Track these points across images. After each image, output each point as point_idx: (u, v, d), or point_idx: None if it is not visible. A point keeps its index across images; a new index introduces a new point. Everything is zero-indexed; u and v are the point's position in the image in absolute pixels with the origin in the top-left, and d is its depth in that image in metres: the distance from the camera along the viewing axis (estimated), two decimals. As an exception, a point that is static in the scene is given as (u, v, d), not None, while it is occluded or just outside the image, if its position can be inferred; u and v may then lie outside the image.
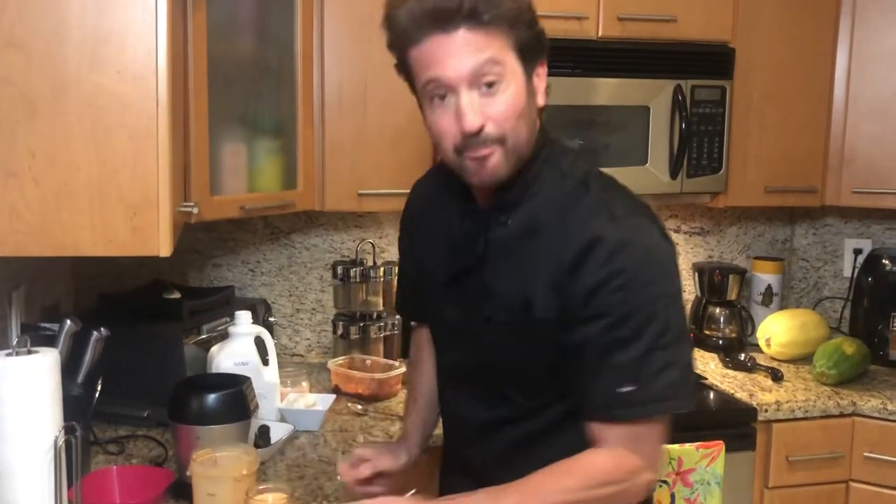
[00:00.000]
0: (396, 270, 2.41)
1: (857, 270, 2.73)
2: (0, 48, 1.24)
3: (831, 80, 2.50)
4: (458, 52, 1.16)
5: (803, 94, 2.48)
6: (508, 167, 1.23)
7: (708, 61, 2.35)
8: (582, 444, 1.24)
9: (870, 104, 2.47)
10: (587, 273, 1.19)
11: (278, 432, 1.79)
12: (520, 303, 1.25)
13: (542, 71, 1.26)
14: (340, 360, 2.26)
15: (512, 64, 1.19)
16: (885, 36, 2.44)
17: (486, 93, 1.18)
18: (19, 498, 1.28)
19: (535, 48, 1.23)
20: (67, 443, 1.31)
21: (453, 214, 1.37)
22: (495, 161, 1.21)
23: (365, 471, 1.45)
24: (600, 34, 2.25)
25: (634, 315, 1.18)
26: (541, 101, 1.26)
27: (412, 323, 1.73)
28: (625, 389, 1.18)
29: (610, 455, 1.21)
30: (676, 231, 2.80)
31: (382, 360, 2.28)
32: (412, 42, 1.19)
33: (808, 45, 2.46)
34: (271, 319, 2.31)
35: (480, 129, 1.18)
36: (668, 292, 1.22)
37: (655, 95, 2.30)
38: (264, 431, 1.77)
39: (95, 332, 1.54)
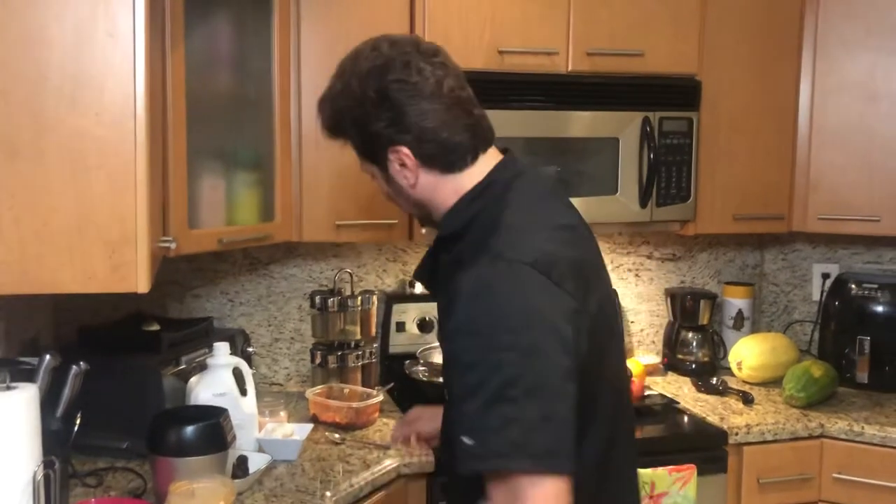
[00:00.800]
0: (374, 300, 2.46)
1: (825, 294, 2.79)
2: (-19, 92, 1.28)
3: (795, 109, 2.58)
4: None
5: (769, 124, 2.56)
6: (423, 222, 1.46)
7: (675, 94, 2.42)
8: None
9: (833, 133, 2.55)
10: (455, 312, 1.18)
11: (256, 462, 1.81)
12: (440, 331, 1.35)
13: (394, 157, 1.32)
14: (318, 388, 2.28)
15: (365, 164, 1.39)
16: (845, 67, 2.52)
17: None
18: (-2, 532, 1.30)
19: (373, 147, 1.34)
20: (46, 477, 1.34)
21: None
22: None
23: (410, 435, 1.73)
24: (570, 68, 2.32)
25: (480, 364, 1.13)
26: (404, 182, 1.34)
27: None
28: (468, 442, 1.12)
29: (495, 497, 1.13)
30: (649, 257, 2.87)
31: (360, 389, 2.31)
32: None
33: (772, 76, 2.54)
34: (250, 350, 2.34)
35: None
36: (522, 345, 1.13)
37: (624, 127, 2.37)
38: (242, 462, 1.79)
39: (74, 367, 1.57)
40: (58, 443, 1.47)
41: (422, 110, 1.29)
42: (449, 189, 1.34)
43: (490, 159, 1.35)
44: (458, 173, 1.33)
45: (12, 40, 1.28)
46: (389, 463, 1.96)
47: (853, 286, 2.66)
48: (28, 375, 1.45)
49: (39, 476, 1.32)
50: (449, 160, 1.32)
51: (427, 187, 1.34)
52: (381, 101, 1.29)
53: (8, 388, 1.34)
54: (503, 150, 1.39)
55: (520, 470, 1.10)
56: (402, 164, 1.32)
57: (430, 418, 1.70)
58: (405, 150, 1.30)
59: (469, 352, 1.15)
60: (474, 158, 1.33)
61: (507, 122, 2.26)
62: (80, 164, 1.32)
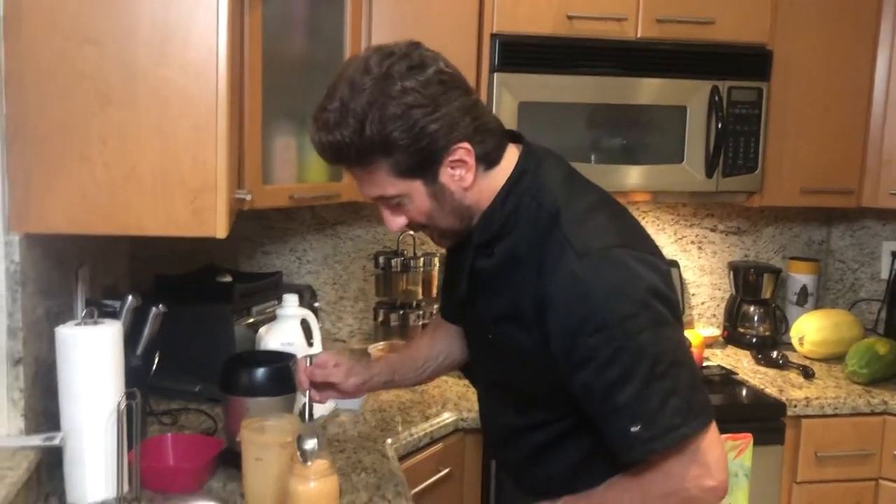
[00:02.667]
0: (436, 261, 2.52)
1: (894, 273, 2.74)
2: (77, 44, 1.35)
3: (871, 82, 2.52)
4: (359, 182, 1.28)
5: (842, 97, 2.51)
6: (453, 238, 1.34)
7: (745, 63, 2.39)
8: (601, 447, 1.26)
9: (909, 107, 2.49)
10: (561, 316, 1.18)
11: (321, 409, 1.89)
12: (509, 332, 1.29)
13: (456, 157, 1.22)
14: (381, 345, 2.35)
15: (402, 186, 1.23)
16: (925, 39, 2.46)
17: (394, 206, 1.28)
18: (86, 456, 1.40)
19: (423, 160, 1.21)
20: (128, 407, 1.42)
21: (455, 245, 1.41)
22: (436, 239, 1.37)
23: (318, 376, 1.52)
24: (639, 35, 2.31)
25: (620, 354, 1.16)
26: (463, 186, 1.25)
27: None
28: (633, 430, 1.16)
29: (661, 468, 1.19)
30: (713, 230, 2.85)
31: (421, 347, 2.37)
32: None
33: (847, 47, 2.49)
34: (316, 304, 2.42)
35: (406, 225, 1.31)
36: (649, 322, 1.17)
37: (692, 96, 2.36)
38: (308, 408, 1.86)
39: (154, 308, 1.66)
40: (138, 378, 1.56)
41: (470, 102, 1.23)
42: (486, 188, 1.28)
43: (511, 151, 1.31)
44: (494, 169, 1.28)
45: (106, -6, 1.36)
46: (448, 416, 2.02)
47: (924, 264, 2.61)
48: (111, 316, 1.54)
49: (123, 406, 1.41)
50: (495, 154, 1.28)
51: (476, 188, 1.27)
52: (430, 98, 1.18)
53: (96, 322, 1.43)
54: (513, 136, 1.34)
55: (697, 431, 1.17)
56: (460, 165, 1.23)
57: (331, 370, 1.54)
58: (467, 145, 1.22)
59: (602, 348, 1.16)
60: (504, 151, 1.30)
61: (574, 87, 2.28)
62: (165, 113, 1.39)
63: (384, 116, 1.17)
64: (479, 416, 1.60)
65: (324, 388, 1.54)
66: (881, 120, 2.53)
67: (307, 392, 1.51)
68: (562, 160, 1.36)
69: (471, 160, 1.24)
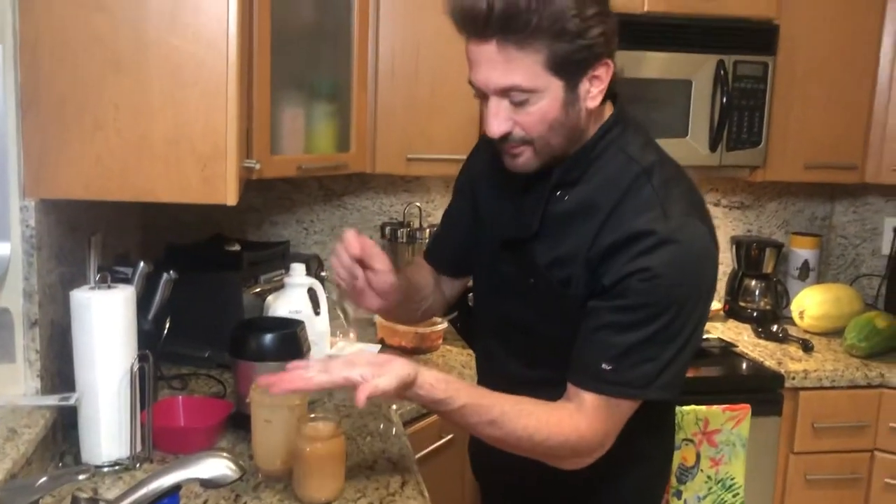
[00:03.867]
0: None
1: (895, 248, 2.76)
2: (90, 11, 1.37)
3: (876, 58, 2.53)
4: (489, 65, 1.17)
5: (847, 72, 2.52)
6: (539, 163, 1.27)
7: (751, 37, 2.40)
8: (633, 427, 1.29)
9: (914, 83, 2.50)
10: (623, 260, 1.20)
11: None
12: (560, 278, 1.30)
13: (600, 72, 1.20)
14: (386, 315, 2.38)
15: (544, 81, 1.17)
16: (932, 16, 2.46)
17: (517, 104, 1.20)
18: (100, 416, 1.44)
19: (581, 60, 1.17)
20: (141, 370, 1.46)
21: (515, 182, 1.37)
22: (524, 159, 1.26)
23: (368, 250, 1.36)
24: (646, 8, 2.32)
25: (644, 308, 1.20)
26: (590, 105, 1.22)
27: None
28: (605, 367, 1.22)
29: (586, 424, 1.23)
30: (716, 204, 2.87)
31: (426, 317, 2.41)
32: (464, 36, 1.21)
33: (853, 23, 2.49)
34: (323, 274, 2.44)
35: (507, 134, 1.23)
36: (688, 300, 1.22)
37: (698, 69, 2.37)
38: (315, 374, 1.90)
39: (165, 274, 1.70)
40: (149, 343, 1.60)
41: (617, 27, 1.21)
42: (591, 123, 1.27)
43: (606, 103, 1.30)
44: (603, 107, 1.27)
45: (118, -38, 1.37)
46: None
47: (925, 240, 2.63)
48: (124, 282, 1.58)
49: (136, 368, 1.45)
50: (612, 90, 1.26)
51: (595, 113, 1.26)
52: (601, 9, 1.17)
53: (109, 287, 1.46)
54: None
55: (644, 399, 1.25)
56: (598, 82, 1.21)
57: (384, 281, 1.39)
58: (610, 63, 1.20)
59: (639, 295, 1.19)
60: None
61: (579, 61, 2.28)
62: (177, 80, 1.41)
63: (562, 6, 1.12)
64: (478, 372, 1.61)
65: (358, 283, 1.38)
66: (886, 96, 2.54)
67: (339, 285, 1.39)
68: (644, 127, 1.35)
69: (607, 81, 1.21)
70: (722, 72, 2.36)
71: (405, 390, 1.21)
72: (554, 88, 1.18)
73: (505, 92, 1.19)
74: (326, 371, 1.19)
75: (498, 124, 1.22)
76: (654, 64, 2.35)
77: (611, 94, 1.29)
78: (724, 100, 2.37)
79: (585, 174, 1.28)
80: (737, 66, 2.39)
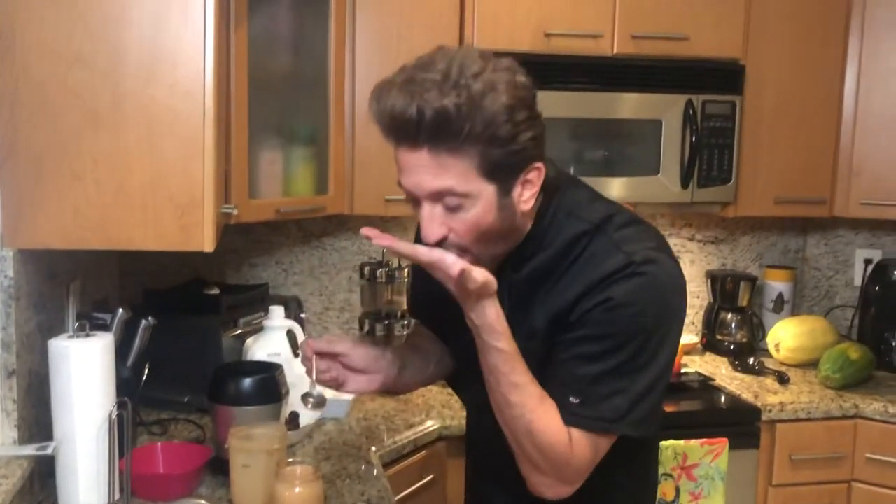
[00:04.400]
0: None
1: (866, 280, 2.81)
2: (69, 64, 1.40)
3: (840, 94, 2.60)
4: (420, 170, 1.15)
5: (813, 109, 2.59)
6: (485, 263, 1.21)
7: (719, 77, 2.47)
8: (612, 462, 1.29)
9: (878, 119, 2.57)
10: (589, 297, 1.22)
11: (307, 418, 1.93)
12: (526, 333, 1.28)
13: (531, 176, 1.20)
14: (366, 355, 2.39)
15: (477, 186, 1.15)
16: (893, 53, 2.53)
17: (449, 210, 1.17)
18: (78, 465, 1.44)
19: (513, 164, 1.17)
20: (119, 417, 1.47)
21: None
22: (469, 260, 1.17)
23: (322, 345, 1.37)
24: (615, 51, 2.38)
25: (608, 338, 1.20)
26: (523, 208, 1.22)
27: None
28: (572, 399, 1.22)
29: (576, 442, 1.23)
30: (690, 239, 2.92)
31: (405, 356, 2.42)
32: (391, 143, 1.18)
33: (817, 61, 2.57)
34: (303, 316, 2.46)
35: (443, 239, 1.19)
36: (655, 330, 1.22)
37: (668, 109, 2.43)
38: (294, 417, 1.91)
39: (144, 321, 1.71)
40: (128, 389, 1.61)
41: (544, 131, 1.21)
42: (531, 212, 1.26)
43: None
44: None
45: (97, 20, 1.40)
46: (431, 424, 2.07)
47: (894, 271, 2.68)
48: (101, 329, 1.59)
49: (114, 415, 1.45)
50: (547, 182, 1.25)
51: (529, 213, 1.25)
52: (531, 113, 1.16)
53: (87, 335, 1.47)
54: None
55: (618, 434, 1.24)
56: (529, 186, 1.21)
57: (360, 357, 1.40)
58: (541, 167, 1.21)
59: (600, 325, 1.20)
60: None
61: (553, 103, 2.31)
62: (154, 131, 1.44)
63: (499, 103, 1.11)
64: (470, 439, 1.59)
65: (330, 361, 1.38)
66: (851, 131, 2.60)
67: (311, 364, 1.36)
68: (582, 182, 1.36)
69: (538, 184, 1.22)
70: (691, 111, 2.42)
71: (484, 294, 1.17)
72: (487, 194, 1.17)
73: (438, 196, 1.16)
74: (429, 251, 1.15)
75: (433, 230, 1.18)
76: (624, 104, 2.40)
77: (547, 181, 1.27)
78: (694, 138, 2.42)
79: (538, 249, 1.29)
80: (705, 106, 2.45)
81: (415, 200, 1.20)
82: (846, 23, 2.57)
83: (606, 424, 1.23)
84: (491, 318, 1.20)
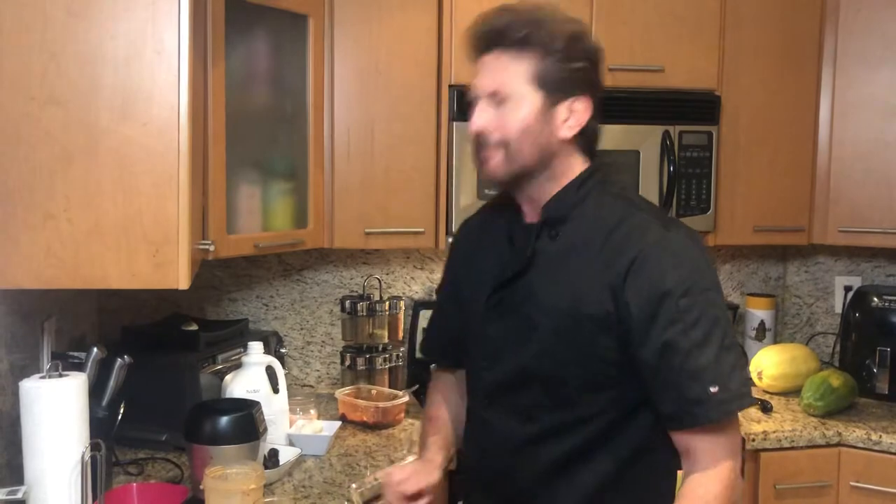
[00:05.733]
0: (401, 304, 2.56)
1: (847, 306, 2.82)
2: (42, 104, 1.40)
3: (815, 124, 2.63)
4: (484, 72, 1.36)
5: (788, 138, 2.61)
6: (508, 171, 1.36)
7: (695, 108, 2.49)
8: (624, 463, 1.33)
9: (853, 147, 2.60)
10: (651, 279, 1.28)
11: (286, 455, 1.91)
12: (567, 306, 1.33)
13: (578, 106, 1.34)
14: (347, 389, 2.38)
15: (525, 89, 1.33)
16: (865, 84, 2.57)
17: (499, 106, 1.34)
18: (49, 508, 1.41)
19: (562, 81, 1.33)
20: (93, 458, 1.45)
21: (502, 237, 1.47)
22: (495, 163, 1.36)
23: (411, 486, 1.44)
24: (592, 83, 2.40)
25: (702, 320, 1.28)
26: (564, 133, 1.35)
27: (432, 367, 1.78)
28: (713, 390, 1.26)
29: (716, 476, 1.28)
30: (672, 268, 2.92)
31: (387, 390, 2.41)
32: (473, 59, 1.39)
33: (791, 91, 2.60)
34: (283, 350, 2.45)
35: (483, 132, 1.35)
36: (720, 300, 1.33)
37: (645, 140, 2.44)
38: (273, 454, 1.89)
39: (119, 359, 1.69)
40: (103, 429, 1.58)
41: (599, 81, 1.39)
42: (568, 166, 1.38)
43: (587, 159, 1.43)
44: (579, 156, 1.40)
45: (70, 58, 1.40)
46: (413, 459, 2.04)
47: (874, 298, 2.69)
48: (76, 368, 1.57)
49: (87, 457, 1.43)
50: (591, 139, 1.41)
51: (566, 150, 1.37)
52: (588, 54, 1.35)
53: (61, 375, 1.45)
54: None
55: (751, 406, 1.38)
56: (574, 114, 1.34)
57: (413, 476, 1.48)
58: (590, 103, 1.35)
59: (691, 310, 1.27)
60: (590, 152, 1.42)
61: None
62: (128, 169, 1.43)
63: (565, 27, 1.33)
64: (466, 443, 1.56)
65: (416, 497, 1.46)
66: (826, 160, 2.63)
67: None
68: (619, 181, 1.56)
69: (584, 118, 1.35)
70: (668, 142, 2.44)
71: None
72: (534, 99, 1.33)
73: (492, 95, 1.34)
74: None
75: (479, 119, 1.36)
76: (602, 135, 2.41)
77: (589, 150, 1.42)
78: (672, 168, 2.44)
79: (572, 213, 1.38)
80: (682, 136, 2.47)
81: (474, 100, 1.38)
82: (819, 53, 2.61)
83: (747, 400, 1.30)
84: None
